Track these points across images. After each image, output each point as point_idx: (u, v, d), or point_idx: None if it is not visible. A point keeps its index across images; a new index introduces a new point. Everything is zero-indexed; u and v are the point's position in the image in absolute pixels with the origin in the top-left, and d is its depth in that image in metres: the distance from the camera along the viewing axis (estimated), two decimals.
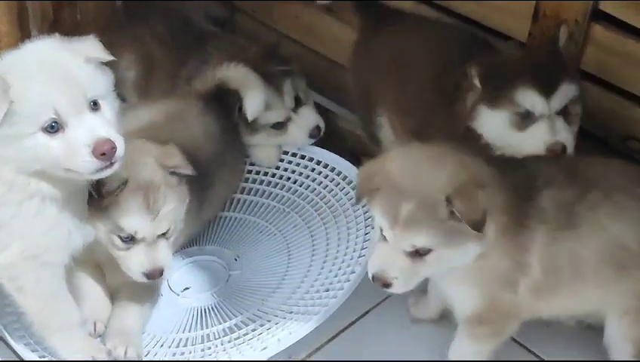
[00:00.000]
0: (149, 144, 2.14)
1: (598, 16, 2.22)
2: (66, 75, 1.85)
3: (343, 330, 2.35)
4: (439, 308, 2.30)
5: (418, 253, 1.87)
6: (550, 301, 2.02)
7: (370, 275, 1.94)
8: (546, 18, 2.28)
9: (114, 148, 1.84)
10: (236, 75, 2.50)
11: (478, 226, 1.80)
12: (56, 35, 1.95)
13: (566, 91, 2.12)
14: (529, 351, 2.29)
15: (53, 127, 1.84)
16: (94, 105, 1.88)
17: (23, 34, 2.51)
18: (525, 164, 2.02)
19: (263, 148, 2.66)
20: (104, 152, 1.83)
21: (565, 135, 2.13)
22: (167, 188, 2.10)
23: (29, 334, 2.18)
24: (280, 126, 2.59)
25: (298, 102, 2.60)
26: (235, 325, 2.30)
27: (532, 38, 2.33)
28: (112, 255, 2.12)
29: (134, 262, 2.10)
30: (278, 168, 2.70)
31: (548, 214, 1.92)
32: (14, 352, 2.23)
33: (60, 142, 1.84)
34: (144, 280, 2.12)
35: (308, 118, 2.60)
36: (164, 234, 2.12)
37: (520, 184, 1.93)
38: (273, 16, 2.97)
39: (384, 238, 1.91)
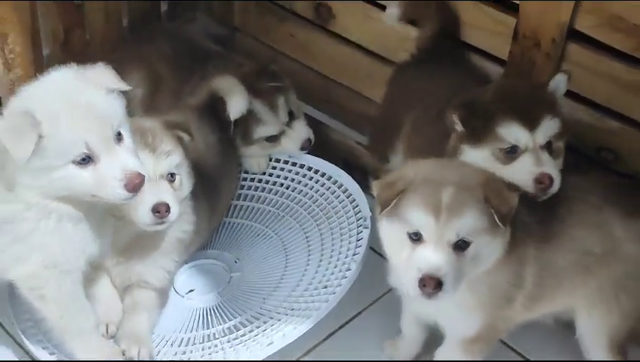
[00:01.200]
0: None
1: (574, 35, 2.28)
2: (94, 109, 1.88)
3: (338, 329, 2.39)
4: (418, 346, 2.29)
5: (460, 247, 1.80)
6: (535, 309, 2.08)
7: (416, 280, 1.79)
8: (525, 38, 2.35)
9: (142, 181, 1.91)
10: (223, 82, 2.56)
11: (504, 219, 1.79)
12: (72, 64, 1.99)
13: (549, 124, 2.08)
14: (514, 351, 2.34)
15: (85, 160, 1.87)
16: (119, 136, 1.91)
17: (36, 54, 2.56)
18: None
19: (253, 157, 2.73)
20: (135, 186, 1.89)
21: (551, 167, 2.06)
22: (164, 134, 2.17)
23: (46, 338, 2.20)
24: (274, 139, 2.66)
25: (291, 117, 2.66)
26: (240, 323, 2.35)
27: (512, 56, 2.40)
28: (121, 211, 2.12)
29: (141, 206, 2.09)
30: (271, 175, 2.75)
31: (531, 228, 1.98)
32: (31, 356, 2.26)
33: (92, 174, 1.88)
34: (155, 222, 2.11)
35: (300, 132, 2.67)
36: (170, 179, 2.17)
37: None
38: (270, 35, 3.04)
39: (416, 240, 1.82)
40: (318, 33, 2.93)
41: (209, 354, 2.26)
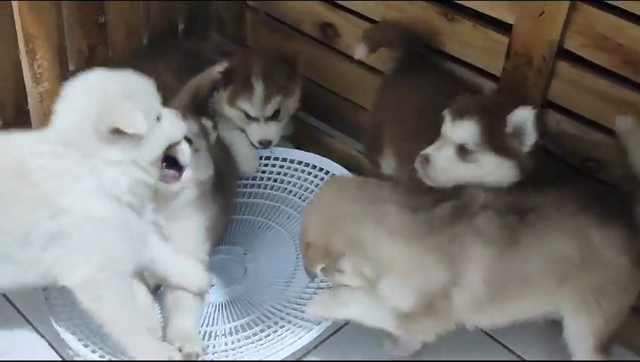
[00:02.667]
0: None
1: (563, 54, 2.33)
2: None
3: (339, 329, 2.40)
4: (417, 343, 2.32)
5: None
6: (498, 310, 2.11)
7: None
8: (518, 55, 2.41)
9: None
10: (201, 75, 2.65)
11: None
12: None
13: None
14: (510, 350, 2.38)
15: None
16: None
17: (62, 69, 2.65)
18: None
19: (246, 159, 2.81)
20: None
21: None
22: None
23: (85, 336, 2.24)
24: (249, 119, 2.74)
25: (274, 115, 2.75)
26: (264, 315, 2.40)
27: (505, 73, 2.47)
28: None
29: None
30: (263, 172, 2.85)
31: (489, 232, 2.02)
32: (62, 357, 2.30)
33: None
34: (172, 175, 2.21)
35: (269, 130, 2.75)
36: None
37: None
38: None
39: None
40: (324, 51, 3.00)
41: (244, 346, 2.30)
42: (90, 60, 2.79)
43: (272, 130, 2.77)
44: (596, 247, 2.05)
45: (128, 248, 2.11)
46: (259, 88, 2.70)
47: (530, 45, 2.38)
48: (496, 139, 2.16)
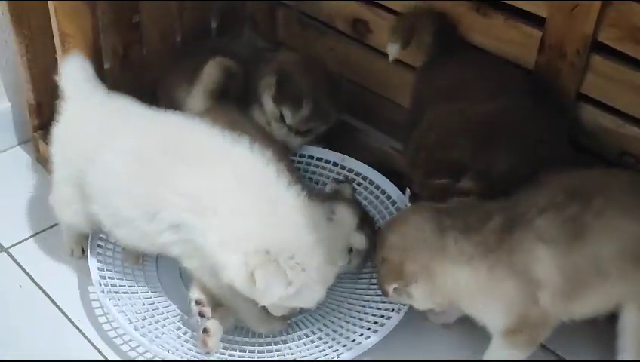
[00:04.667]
0: None
1: (597, 47, 2.31)
2: None
3: None
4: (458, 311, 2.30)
5: None
6: (579, 303, 2.04)
7: None
8: (551, 49, 2.38)
9: None
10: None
11: None
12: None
13: None
14: (550, 351, 2.32)
15: None
16: None
17: (97, 68, 2.60)
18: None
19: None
20: None
21: None
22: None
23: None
24: (283, 121, 2.70)
25: (305, 132, 2.74)
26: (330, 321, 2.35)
27: (538, 66, 2.44)
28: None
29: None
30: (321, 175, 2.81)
31: (553, 229, 2.00)
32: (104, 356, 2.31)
33: None
34: None
35: (294, 141, 2.74)
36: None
37: None
38: (311, 49, 3.10)
39: None
40: (356, 47, 2.98)
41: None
42: (125, 59, 2.80)
43: (296, 142, 2.76)
44: None
45: None
46: (307, 108, 2.69)
47: (564, 39, 2.35)
48: None
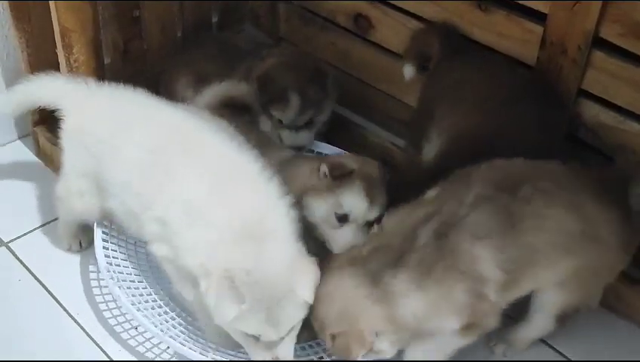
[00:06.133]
0: (377, 162, 2.32)
1: (599, 43, 2.30)
2: None
3: None
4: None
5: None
6: (517, 289, 2.07)
7: None
8: (552, 45, 2.37)
9: None
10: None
11: None
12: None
13: None
14: (556, 350, 2.34)
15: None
16: None
17: (98, 63, 2.66)
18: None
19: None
20: None
21: None
22: (381, 187, 2.25)
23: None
24: (281, 123, 2.69)
25: (307, 125, 2.71)
26: None
27: (539, 63, 2.43)
28: (322, 231, 2.24)
29: (342, 239, 2.21)
30: None
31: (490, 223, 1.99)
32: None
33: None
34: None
35: (300, 137, 2.71)
36: (371, 223, 2.20)
37: None
38: (312, 44, 3.10)
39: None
40: (358, 42, 2.97)
41: None
42: (126, 54, 2.78)
43: (304, 138, 2.74)
44: (592, 223, 2.02)
45: None
46: (294, 100, 2.66)
47: (565, 35, 2.34)
48: None
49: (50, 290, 2.46)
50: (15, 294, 2.45)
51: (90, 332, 2.34)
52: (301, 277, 1.97)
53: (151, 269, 2.45)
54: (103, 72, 2.67)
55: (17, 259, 2.55)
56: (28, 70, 2.75)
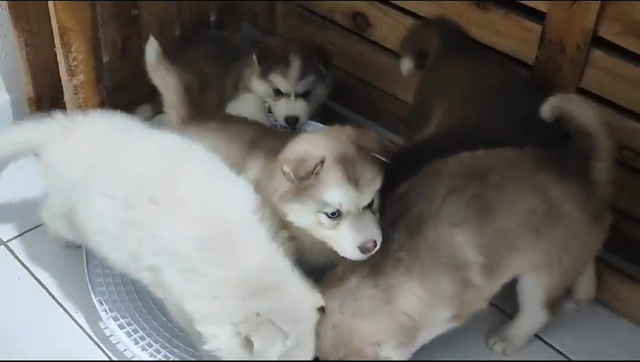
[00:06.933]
0: (346, 127, 2.06)
1: (598, 42, 2.30)
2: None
3: None
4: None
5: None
6: (502, 275, 2.10)
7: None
8: (551, 44, 2.37)
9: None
10: None
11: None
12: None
13: None
14: (556, 350, 2.35)
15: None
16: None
17: (97, 61, 2.63)
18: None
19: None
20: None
21: None
22: (362, 161, 1.95)
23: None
24: (277, 94, 2.72)
25: (305, 95, 2.73)
26: None
27: (538, 61, 2.43)
28: (322, 239, 2.00)
29: (345, 239, 1.95)
30: None
31: (459, 211, 2.02)
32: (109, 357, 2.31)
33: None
34: (359, 256, 1.96)
35: (297, 106, 2.72)
36: (369, 206, 1.98)
37: None
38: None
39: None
40: (356, 41, 2.97)
41: None
42: (124, 53, 2.79)
43: (300, 107, 2.73)
44: (556, 201, 2.05)
45: None
46: (295, 63, 2.68)
47: (564, 34, 2.34)
48: None
49: (49, 289, 2.45)
50: (14, 292, 2.44)
51: (87, 331, 2.34)
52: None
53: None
54: (101, 71, 2.66)
55: (16, 257, 2.55)
56: (26, 69, 2.74)
